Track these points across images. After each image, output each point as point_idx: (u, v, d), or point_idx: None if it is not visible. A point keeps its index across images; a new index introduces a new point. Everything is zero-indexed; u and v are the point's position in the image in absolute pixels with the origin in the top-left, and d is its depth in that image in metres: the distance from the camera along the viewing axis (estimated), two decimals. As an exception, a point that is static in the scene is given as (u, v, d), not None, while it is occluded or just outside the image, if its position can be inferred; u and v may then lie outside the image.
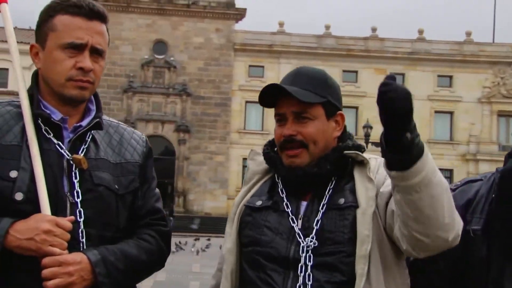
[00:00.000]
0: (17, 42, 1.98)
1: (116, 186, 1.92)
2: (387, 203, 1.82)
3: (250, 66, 37.32)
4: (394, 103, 1.53)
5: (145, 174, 2.05)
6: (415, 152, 1.58)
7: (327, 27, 39.18)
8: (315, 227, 1.83)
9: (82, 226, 1.82)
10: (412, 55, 38.36)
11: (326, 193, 1.88)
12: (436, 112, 38.17)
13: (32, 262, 1.74)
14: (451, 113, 38.24)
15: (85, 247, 1.82)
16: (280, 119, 1.93)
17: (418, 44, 38.91)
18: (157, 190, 2.12)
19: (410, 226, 1.67)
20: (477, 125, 37.72)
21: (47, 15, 1.89)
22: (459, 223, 1.73)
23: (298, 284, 1.78)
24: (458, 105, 37.86)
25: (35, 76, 1.94)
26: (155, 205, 2.06)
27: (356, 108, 37.42)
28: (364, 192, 1.83)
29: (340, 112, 1.97)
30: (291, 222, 1.86)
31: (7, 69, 34.89)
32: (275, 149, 1.99)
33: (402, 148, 1.57)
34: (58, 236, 1.73)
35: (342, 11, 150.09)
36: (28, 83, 1.93)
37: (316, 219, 1.84)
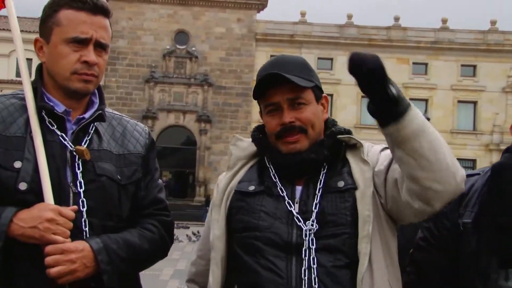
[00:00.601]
0: (22, 31, 2.03)
1: (119, 177, 1.97)
2: (385, 180, 1.85)
3: (271, 56, 36.90)
4: (365, 62, 1.63)
5: (147, 165, 2.09)
6: (405, 102, 1.67)
7: (349, 17, 38.83)
8: (314, 210, 1.84)
9: (85, 216, 1.87)
10: (435, 45, 37.83)
11: (321, 177, 1.90)
12: (459, 102, 37.63)
13: (36, 250, 1.79)
14: (474, 102, 37.69)
15: (88, 236, 1.87)
16: (274, 109, 1.92)
17: (441, 33, 38.35)
18: (160, 181, 2.16)
19: (419, 176, 1.70)
20: (501, 115, 37.11)
21: (51, 10, 1.93)
22: (461, 168, 1.77)
23: (303, 269, 1.79)
24: (482, 95, 37.31)
25: (39, 69, 1.99)
26: (157, 195, 2.10)
27: (378, 98, 37.03)
28: (360, 174, 1.87)
29: (324, 95, 2.01)
30: (288, 206, 1.87)
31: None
32: (261, 135, 2.00)
33: (391, 101, 1.65)
34: (61, 224, 1.78)
35: (365, 0, 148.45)
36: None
37: (314, 203, 1.86)
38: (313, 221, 1.83)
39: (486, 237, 1.99)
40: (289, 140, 1.90)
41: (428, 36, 38.14)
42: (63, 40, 1.89)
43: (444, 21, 38.97)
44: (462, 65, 37.79)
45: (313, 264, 1.79)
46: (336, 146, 1.94)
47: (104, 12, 1.95)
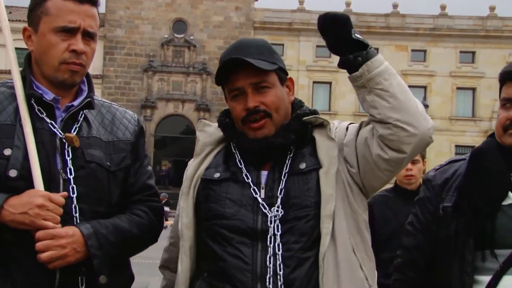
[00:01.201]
0: (11, 20, 2.04)
1: (108, 163, 1.99)
2: (355, 145, 1.88)
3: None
4: (328, 13, 1.81)
5: (137, 152, 2.11)
6: (371, 49, 1.81)
7: (348, 4, 38.67)
8: (280, 196, 1.84)
9: (75, 202, 1.89)
10: (434, 31, 37.73)
11: (287, 161, 1.90)
12: (458, 88, 37.60)
13: (27, 236, 1.81)
14: (473, 89, 37.65)
15: (78, 222, 1.89)
16: (238, 94, 1.91)
17: (440, 20, 38.23)
18: (149, 167, 2.18)
19: (391, 117, 1.76)
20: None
21: None
22: (430, 119, 1.84)
23: (268, 256, 1.79)
24: (481, 81, 37.26)
25: (28, 58, 2.01)
26: (147, 181, 2.12)
27: (377, 85, 37.00)
28: (325, 151, 1.87)
29: (289, 77, 2.01)
30: (253, 193, 1.87)
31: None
32: (227, 120, 1.98)
33: (358, 44, 1.79)
34: (51, 210, 1.80)
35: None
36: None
37: (279, 188, 1.86)
38: (278, 207, 1.83)
39: (463, 220, 2.03)
40: (255, 126, 1.89)
41: (426, 23, 38.02)
42: (52, 29, 1.91)
43: (443, 7, 38.83)
44: (461, 52, 37.71)
45: (278, 250, 1.80)
46: (303, 128, 1.94)
47: (92, 1, 1.97)
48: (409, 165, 3.92)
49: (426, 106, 26.55)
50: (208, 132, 2.05)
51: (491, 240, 1.99)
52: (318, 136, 1.92)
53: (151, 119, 36.12)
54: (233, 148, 1.97)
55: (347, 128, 1.96)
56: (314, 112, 1.98)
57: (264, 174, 1.91)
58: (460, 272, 2.01)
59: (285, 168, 1.89)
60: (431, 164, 3.08)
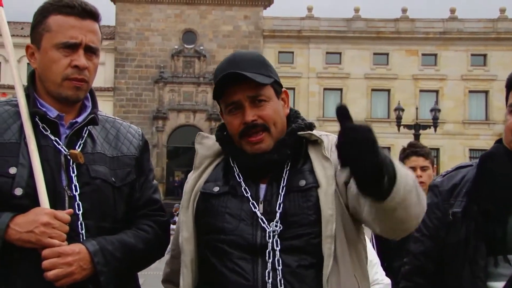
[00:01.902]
0: (12, 35, 2.05)
1: (113, 179, 1.99)
2: (346, 183, 1.82)
3: (279, 52, 37.12)
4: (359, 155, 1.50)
5: (141, 166, 2.11)
6: (389, 186, 1.57)
7: (356, 10, 38.67)
8: (278, 211, 1.82)
9: (81, 219, 1.89)
10: (444, 35, 37.57)
11: (284, 175, 1.88)
12: (470, 92, 37.35)
13: (33, 254, 1.81)
14: (486, 92, 37.40)
15: (84, 238, 1.89)
16: (234, 108, 1.89)
17: (450, 23, 38.07)
18: (154, 181, 2.18)
19: (384, 224, 1.72)
20: (513, 104, 36.85)
21: (41, 16, 1.95)
22: (425, 205, 1.77)
23: (267, 271, 1.77)
24: (493, 84, 36.97)
25: (31, 75, 2.02)
26: (152, 196, 2.12)
27: (388, 90, 36.94)
28: (322, 171, 1.84)
29: (284, 89, 1.98)
30: (252, 207, 1.85)
31: None
32: (225, 133, 1.97)
33: (379, 188, 1.57)
34: (56, 228, 1.81)
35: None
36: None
37: (278, 203, 1.84)
38: (277, 222, 1.81)
39: (474, 224, 2.02)
40: (253, 140, 1.87)
41: (436, 27, 37.89)
42: (53, 45, 1.92)
43: (453, 10, 38.70)
44: (472, 55, 37.51)
45: (278, 265, 1.78)
46: (298, 143, 1.92)
47: (93, 16, 1.97)
48: (419, 172, 3.90)
49: (438, 111, 26.42)
50: (207, 145, 2.04)
51: (502, 245, 1.98)
52: (314, 153, 1.90)
53: (163, 130, 36.27)
54: (231, 161, 1.96)
55: None
56: (310, 125, 1.96)
57: (262, 187, 1.89)
58: (472, 277, 1.99)
59: (282, 182, 1.87)
60: (445, 168, 3.05)
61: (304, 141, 1.93)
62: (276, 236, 1.80)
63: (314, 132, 1.93)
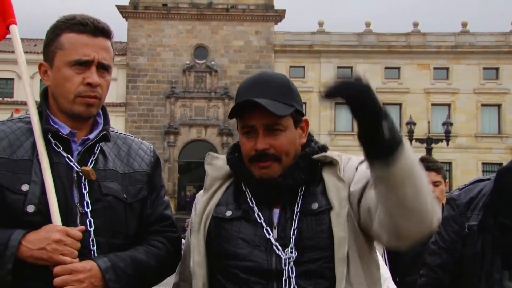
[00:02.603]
0: (25, 52, 2.07)
1: (125, 195, 1.99)
2: (359, 201, 1.79)
3: (291, 67, 37.25)
4: (350, 91, 1.56)
5: (153, 182, 2.11)
6: (394, 140, 1.54)
7: (368, 24, 38.75)
8: (293, 237, 1.80)
9: (92, 235, 1.90)
10: (456, 49, 37.51)
11: (298, 200, 1.85)
12: (482, 105, 37.18)
13: (45, 271, 1.82)
14: (498, 105, 37.21)
15: (96, 255, 1.89)
16: (249, 131, 1.86)
17: (461, 37, 38.02)
18: (166, 198, 2.18)
19: (394, 215, 1.63)
20: (526, 117, 36.64)
21: (54, 34, 1.97)
22: (438, 209, 1.70)
23: None
24: (506, 97, 36.81)
25: (44, 93, 2.03)
26: (164, 212, 2.12)
27: (400, 104, 36.86)
28: (336, 193, 1.81)
29: (305, 118, 1.94)
30: (266, 234, 1.82)
31: (12, 79, 35.54)
32: (236, 154, 1.93)
33: (382, 136, 1.53)
34: (68, 245, 1.81)
35: (382, 7, 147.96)
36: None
37: (292, 229, 1.81)
38: (291, 248, 1.79)
39: (490, 238, 2.03)
40: (261, 165, 1.84)
41: (448, 41, 37.84)
42: (66, 63, 1.93)
43: (464, 24, 38.65)
44: (484, 68, 37.40)
45: None
46: (312, 166, 1.88)
47: (105, 33, 1.98)
48: (432, 188, 3.86)
49: (450, 124, 26.30)
50: (217, 165, 2.00)
51: None
52: (327, 175, 1.86)
53: (174, 145, 36.39)
54: (243, 186, 1.93)
55: (356, 169, 1.86)
56: (323, 148, 1.92)
57: (276, 212, 1.86)
58: None
59: (296, 207, 1.84)
60: (457, 182, 3.03)
61: (319, 165, 1.90)
62: (292, 263, 1.77)
63: (328, 153, 1.89)
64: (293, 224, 1.82)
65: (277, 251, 1.79)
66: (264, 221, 1.84)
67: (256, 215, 1.85)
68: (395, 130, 1.54)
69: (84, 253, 1.86)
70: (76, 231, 1.84)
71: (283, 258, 1.78)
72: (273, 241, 1.81)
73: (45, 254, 1.79)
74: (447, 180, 4.12)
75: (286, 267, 1.77)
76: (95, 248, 1.90)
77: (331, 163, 1.87)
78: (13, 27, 2.08)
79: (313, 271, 1.78)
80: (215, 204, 1.93)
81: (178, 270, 2.12)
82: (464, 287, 2.11)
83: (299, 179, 1.85)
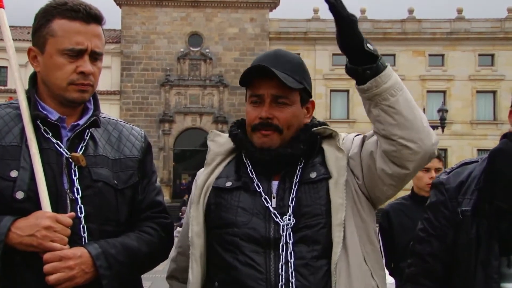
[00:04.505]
0: (16, 39, 2.04)
1: (115, 182, 1.97)
2: (360, 157, 1.89)
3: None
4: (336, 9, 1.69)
5: (144, 168, 2.10)
6: (382, 60, 1.75)
7: (363, 11, 38.60)
8: (291, 205, 1.86)
9: (83, 222, 1.88)
10: (451, 35, 37.44)
11: (297, 171, 1.91)
12: (478, 92, 37.19)
13: (35, 258, 1.80)
14: (494, 92, 37.23)
15: (87, 242, 1.87)
16: (257, 100, 1.93)
17: (457, 23, 37.94)
18: (157, 183, 2.16)
19: (395, 133, 1.76)
20: (522, 103, 36.69)
21: (44, 19, 1.92)
22: (434, 133, 1.83)
23: (280, 263, 1.80)
24: (501, 84, 36.82)
25: (33, 78, 2.00)
26: (155, 198, 2.10)
27: (395, 91, 36.84)
28: (334, 162, 1.89)
29: (311, 100, 2.02)
30: (265, 202, 1.88)
31: (5, 67, 35.08)
32: (239, 130, 2.00)
33: (369, 56, 1.73)
34: (58, 231, 1.79)
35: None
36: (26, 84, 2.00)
37: (290, 197, 1.87)
38: (290, 216, 1.85)
39: (485, 223, 1.96)
40: (263, 132, 1.91)
41: (443, 27, 37.77)
42: (58, 51, 1.89)
43: (460, 11, 38.57)
44: (479, 55, 37.37)
45: (291, 258, 1.81)
46: (312, 139, 1.95)
47: (97, 20, 1.95)
48: (433, 174, 3.87)
49: (445, 111, 26.31)
50: (219, 142, 2.06)
51: None
52: (327, 146, 1.94)
53: (169, 133, 36.32)
54: (244, 157, 1.98)
55: (353, 140, 1.97)
56: (323, 123, 2.00)
57: (275, 184, 1.92)
58: (485, 278, 1.93)
59: (295, 178, 1.90)
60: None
61: (318, 138, 1.97)
62: (290, 230, 1.83)
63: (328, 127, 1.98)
64: (292, 193, 1.88)
65: (275, 218, 1.85)
66: (263, 190, 1.90)
67: (255, 185, 1.91)
68: (379, 53, 1.76)
69: (74, 240, 1.84)
70: (66, 218, 1.82)
71: (281, 224, 1.83)
72: (271, 209, 1.87)
73: (34, 240, 1.77)
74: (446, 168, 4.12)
75: (284, 233, 1.82)
76: (85, 234, 1.88)
77: (331, 136, 1.95)
78: (0, 11, 2.03)
79: (309, 237, 1.83)
80: (215, 177, 1.99)
81: (176, 244, 2.15)
82: (459, 276, 2.02)
83: (298, 149, 1.92)
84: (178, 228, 21.24)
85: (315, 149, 1.95)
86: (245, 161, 1.97)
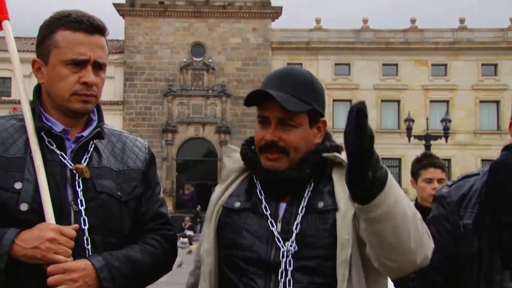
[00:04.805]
0: (20, 50, 2.05)
1: (119, 193, 1.97)
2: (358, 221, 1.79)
3: (288, 64, 37.14)
4: (350, 140, 1.49)
5: (148, 180, 2.09)
6: (376, 186, 1.54)
7: (365, 21, 38.71)
8: (295, 231, 1.81)
9: (87, 234, 1.87)
10: (454, 45, 37.50)
11: (305, 196, 1.86)
12: (481, 101, 37.18)
13: (39, 270, 1.79)
14: (497, 102, 37.21)
15: (90, 254, 1.87)
16: (263, 121, 1.89)
17: (459, 33, 38.00)
18: (161, 195, 2.16)
19: (376, 252, 1.68)
20: (525, 113, 36.64)
21: (48, 31, 1.93)
22: (428, 246, 1.70)
23: None
24: (504, 94, 36.79)
25: (37, 89, 2.00)
26: (159, 210, 2.10)
27: (398, 101, 36.86)
28: (343, 195, 1.80)
29: (323, 119, 1.94)
30: (270, 226, 1.84)
31: (9, 78, 35.40)
32: (253, 147, 1.96)
33: (363, 185, 1.53)
34: (62, 244, 1.79)
35: (379, 3, 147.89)
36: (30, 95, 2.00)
37: (295, 223, 1.82)
38: (292, 242, 1.80)
39: (487, 237, 1.95)
40: (269, 156, 1.87)
41: (446, 37, 37.84)
42: (61, 61, 1.90)
43: (462, 20, 38.65)
44: (482, 65, 37.41)
45: (289, 286, 1.76)
46: (322, 163, 1.89)
47: (101, 31, 1.95)
48: (436, 185, 3.84)
49: (449, 121, 26.29)
50: (235, 158, 2.03)
51: None
52: (336, 176, 1.87)
53: (172, 143, 36.37)
54: (254, 178, 1.95)
55: None
56: (336, 147, 1.91)
57: (282, 206, 1.88)
58: None
59: (303, 202, 1.85)
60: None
61: (328, 163, 1.90)
62: (290, 256, 1.79)
63: (340, 155, 1.89)
64: (297, 219, 1.83)
65: (278, 243, 1.81)
66: (270, 213, 1.87)
67: (263, 207, 1.88)
68: (379, 175, 1.54)
69: (78, 252, 1.84)
70: (70, 230, 1.82)
71: (281, 250, 1.80)
72: (275, 233, 1.83)
73: (38, 253, 1.77)
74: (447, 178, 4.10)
75: (284, 259, 1.79)
76: (89, 246, 1.88)
77: (341, 164, 1.86)
78: (5, 23, 2.05)
79: (311, 268, 1.78)
80: (228, 195, 1.97)
81: (194, 258, 2.15)
82: None
83: (305, 173, 1.86)
84: (181, 239, 21.22)
85: (324, 173, 1.89)
86: (255, 181, 1.94)
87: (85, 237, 1.87)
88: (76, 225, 1.85)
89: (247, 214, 1.89)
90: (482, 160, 35.86)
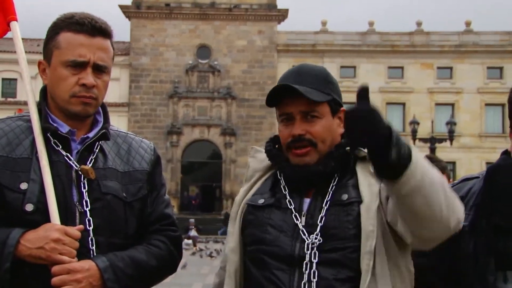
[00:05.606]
0: (26, 52, 2.06)
1: (124, 194, 1.97)
2: (387, 197, 1.81)
3: (293, 66, 37.18)
4: (358, 124, 1.54)
5: (153, 181, 2.09)
6: (402, 163, 1.57)
7: (371, 24, 38.70)
8: (319, 224, 1.83)
9: (91, 234, 1.88)
10: (459, 48, 37.44)
11: (329, 189, 1.89)
12: (486, 105, 37.12)
13: (44, 270, 1.80)
14: (502, 105, 37.02)
15: (95, 254, 1.87)
16: (287, 119, 1.92)
17: (465, 36, 37.95)
18: (166, 196, 2.16)
19: (409, 224, 1.71)
20: (531, 117, 36.55)
21: (52, 33, 1.95)
22: (459, 210, 1.74)
23: (303, 282, 1.78)
24: (510, 97, 36.69)
25: (43, 91, 2.02)
26: (164, 211, 2.10)
27: (403, 104, 36.81)
28: (367, 187, 1.84)
29: (343, 108, 1.98)
30: (295, 219, 1.87)
31: (15, 79, 35.70)
32: (276, 146, 1.99)
33: (388, 164, 1.56)
34: (67, 244, 1.79)
35: (385, 6, 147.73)
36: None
37: (320, 216, 1.85)
38: (317, 235, 1.82)
39: (482, 239, 1.96)
40: (298, 152, 1.90)
41: (452, 40, 37.79)
42: (62, 63, 1.91)
43: (468, 23, 38.58)
44: (488, 68, 37.34)
45: (313, 278, 1.78)
46: (346, 157, 1.92)
47: (103, 33, 1.95)
48: None
49: (454, 124, 26.24)
50: (259, 158, 2.07)
51: None
52: (360, 169, 1.90)
53: (177, 145, 36.42)
54: (278, 174, 1.99)
55: None
56: None
57: (306, 201, 1.90)
58: None
59: (327, 196, 1.88)
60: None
61: (352, 157, 1.94)
62: (315, 249, 1.81)
63: (363, 149, 1.91)
64: (322, 212, 1.86)
65: (302, 236, 1.83)
66: (294, 207, 1.89)
67: (287, 202, 1.90)
68: (403, 152, 1.57)
69: (83, 253, 1.84)
70: (75, 230, 1.82)
71: (306, 242, 1.82)
72: (300, 226, 1.85)
73: (43, 253, 1.78)
74: (451, 180, 4.11)
75: (309, 252, 1.81)
76: (94, 247, 1.88)
77: (364, 158, 1.90)
78: (13, 24, 2.06)
79: (335, 260, 1.80)
80: (252, 194, 2.00)
81: (221, 259, 2.16)
82: None
83: (329, 167, 1.89)
84: (186, 240, 21.21)
85: (348, 167, 1.92)
86: (279, 177, 1.97)
87: (89, 238, 1.88)
88: (81, 226, 1.85)
89: (271, 210, 1.92)
90: (487, 163, 35.67)
